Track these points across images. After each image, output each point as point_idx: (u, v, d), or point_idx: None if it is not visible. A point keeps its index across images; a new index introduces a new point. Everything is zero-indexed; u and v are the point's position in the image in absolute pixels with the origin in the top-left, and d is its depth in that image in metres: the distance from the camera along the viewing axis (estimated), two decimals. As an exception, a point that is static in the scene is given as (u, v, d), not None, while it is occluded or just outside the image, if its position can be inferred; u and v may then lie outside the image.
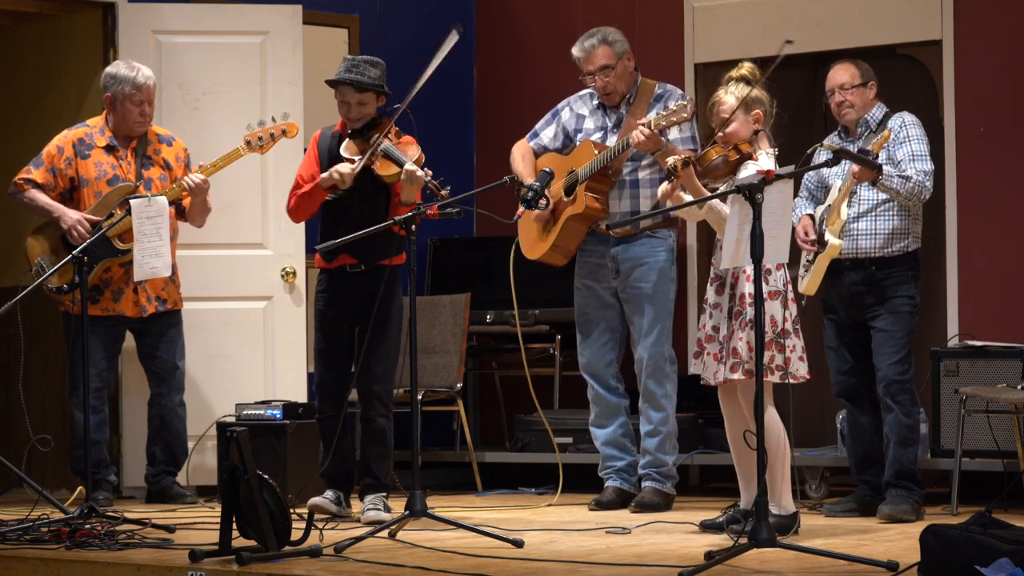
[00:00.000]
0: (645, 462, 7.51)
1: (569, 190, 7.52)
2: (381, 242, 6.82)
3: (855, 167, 6.69)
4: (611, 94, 7.57)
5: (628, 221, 7.37)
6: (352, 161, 6.95)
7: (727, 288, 6.23)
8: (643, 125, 7.10)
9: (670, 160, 6.27)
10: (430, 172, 6.80)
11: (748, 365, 6.08)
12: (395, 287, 7.02)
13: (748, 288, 6.11)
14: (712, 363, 6.25)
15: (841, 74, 7.08)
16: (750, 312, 6.08)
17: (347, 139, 7.03)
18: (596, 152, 7.45)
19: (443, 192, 6.66)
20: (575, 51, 7.60)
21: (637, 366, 7.51)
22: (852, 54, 7.39)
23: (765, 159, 6.21)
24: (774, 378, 6.14)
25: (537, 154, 7.77)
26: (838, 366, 7.10)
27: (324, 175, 6.96)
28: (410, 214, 6.29)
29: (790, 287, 6.24)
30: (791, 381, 6.20)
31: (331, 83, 7.05)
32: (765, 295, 6.12)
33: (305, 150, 7.45)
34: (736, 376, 6.10)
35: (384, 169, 6.89)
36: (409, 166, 6.79)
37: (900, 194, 6.83)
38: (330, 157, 7.06)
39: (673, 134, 7.35)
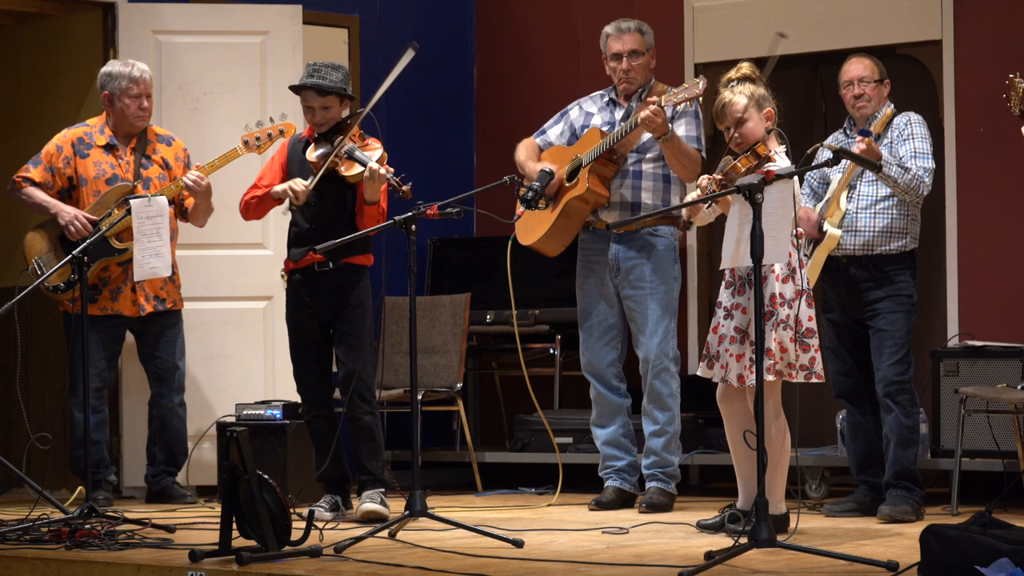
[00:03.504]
0: (650, 462, 7.48)
1: (572, 175, 7.49)
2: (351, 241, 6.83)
3: (856, 149, 6.67)
4: (631, 82, 7.54)
5: (629, 220, 7.34)
6: (316, 164, 6.97)
7: (749, 288, 6.18)
8: (653, 103, 7.08)
9: (703, 181, 6.21)
10: (391, 169, 6.84)
11: (779, 366, 6.07)
12: (364, 285, 7.06)
13: (777, 288, 6.09)
14: (735, 364, 6.19)
15: (860, 67, 7.08)
16: (781, 312, 6.07)
17: (312, 143, 7.07)
18: (603, 138, 7.42)
19: (404, 188, 6.71)
20: (608, 28, 7.56)
21: (642, 366, 7.49)
22: (852, 54, 7.38)
23: (781, 159, 6.18)
24: (799, 378, 6.13)
25: (542, 150, 7.75)
26: (837, 367, 7.10)
27: (278, 187, 7.04)
28: (410, 214, 6.30)
29: (810, 286, 6.23)
30: (816, 380, 6.18)
31: (294, 89, 7.11)
32: (792, 294, 6.11)
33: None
34: (768, 378, 6.04)
35: (349, 169, 6.93)
36: (372, 164, 6.82)
37: (898, 184, 6.83)
38: (298, 162, 7.11)
39: (680, 131, 7.34)
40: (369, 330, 7.08)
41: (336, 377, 7.12)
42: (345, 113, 7.14)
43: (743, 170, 6.12)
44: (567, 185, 7.47)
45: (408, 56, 6.90)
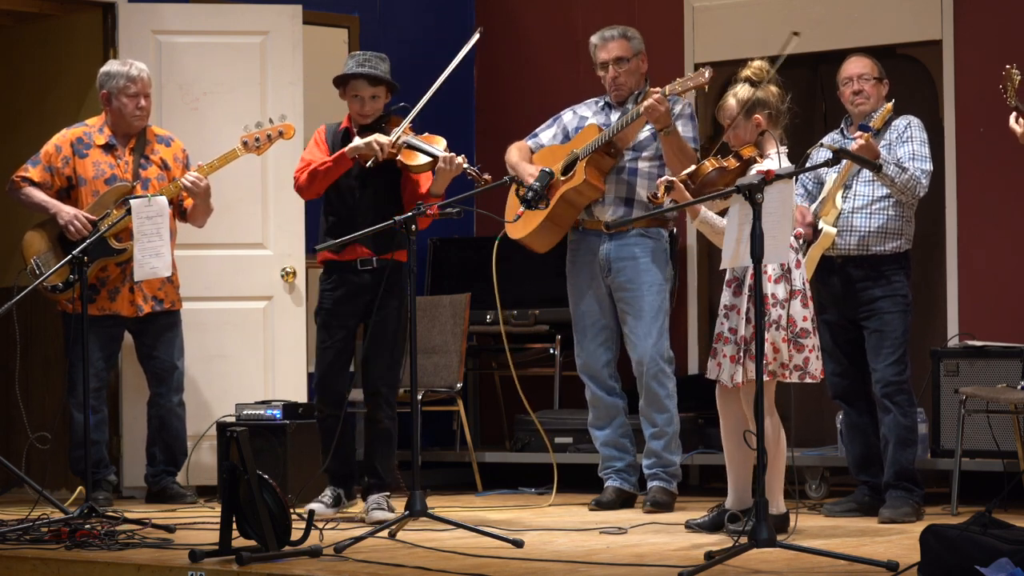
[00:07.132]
0: (651, 462, 7.47)
1: (567, 169, 7.46)
2: (395, 235, 6.68)
3: (855, 144, 6.68)
4: (620, 88, 7.53)
5: (627, 221, 7.34)
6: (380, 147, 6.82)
7: (744, 289, 6.18)
8: (657, 92, 7.02)
9: (660, 182, 6.23)
10: (465, 158, 6.79)
11: (772, 366, 6.06)
12: (402, 284, 6.96)
13: (770, 289, 6.09)
14: (728, 364, 6.20)
15: (859, 65, 7.11)
16: (774, 313, 6.07)
17: (356, 136, 6.99)
18: (601, 133, 7.41)
19: (486, 176, 6.66)
20: (593, 39, 7.57)
21: (636, 368, 7.47)
22: (852, 53, 7.38)
23: (771, 162, 6.16)
24: (793, 378, 6.12)
25: (533, 152, 7.73)
26: (832, 368, 7.07)
27: (360, 141, 6.83)
28: (410, 214, 6.27)
29: (808, 285, 6.23)
30: (809, 381, 6.17)
31: (343, 78, 7.03)
32: (786, 295, 6.11)
33: (305, 148, 7.43)
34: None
35: (409, 159, 6.84)
36: (445, 154, 6.77)
37: (895, 183, 6.84)
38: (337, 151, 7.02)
39: (680, 130, 7.32)
40: (402, 333, 6.96)
41: (356, 375, 7.04)
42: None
43: (709, 171, 6.17)
44: (562, 179, 7.45)
45: (473, 39, 6.89)
